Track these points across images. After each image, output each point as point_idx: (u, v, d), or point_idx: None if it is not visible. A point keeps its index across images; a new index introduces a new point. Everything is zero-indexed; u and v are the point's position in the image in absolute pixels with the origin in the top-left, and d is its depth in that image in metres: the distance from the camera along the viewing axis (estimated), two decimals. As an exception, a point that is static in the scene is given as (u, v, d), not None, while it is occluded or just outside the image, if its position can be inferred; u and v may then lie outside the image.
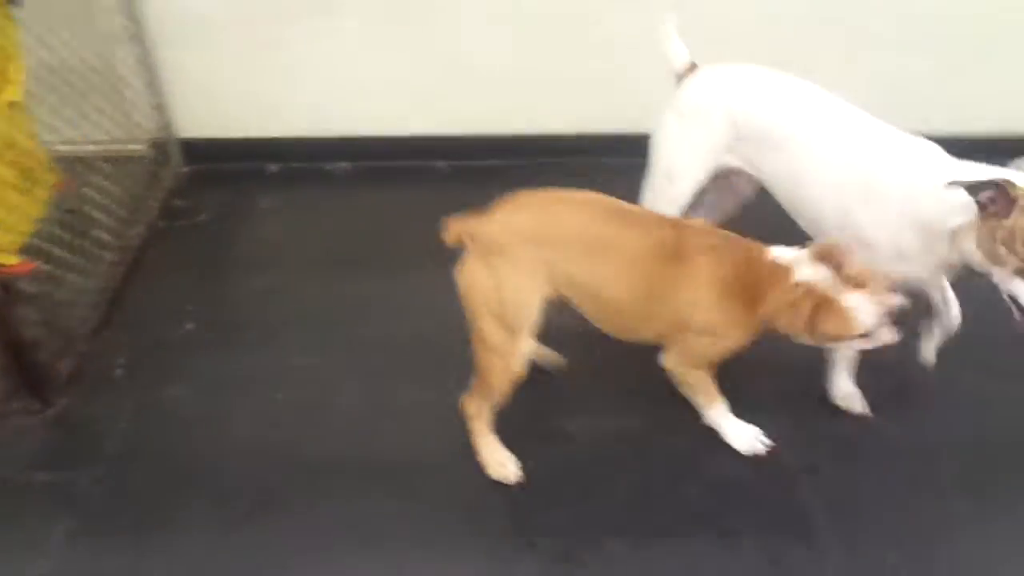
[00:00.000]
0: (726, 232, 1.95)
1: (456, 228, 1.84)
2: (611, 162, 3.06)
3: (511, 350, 1.86)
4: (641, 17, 2.37)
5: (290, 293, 2.60)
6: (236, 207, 3.00)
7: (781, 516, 1.94)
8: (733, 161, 2.17)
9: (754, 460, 2.07)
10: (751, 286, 1.82)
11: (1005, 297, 1.75)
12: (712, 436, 2.11)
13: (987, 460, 2.08)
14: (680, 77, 2.22)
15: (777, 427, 2.14)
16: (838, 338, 1.80)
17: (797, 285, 1.76)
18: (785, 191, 2.10)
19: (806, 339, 1.81)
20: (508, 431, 2.06)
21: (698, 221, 2.04)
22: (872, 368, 2.29)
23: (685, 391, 2.06)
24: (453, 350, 2.28)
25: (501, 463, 2.02)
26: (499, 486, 2.00)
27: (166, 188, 3.06)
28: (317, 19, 2.93)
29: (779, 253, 1.83)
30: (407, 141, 3.21)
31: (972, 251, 1.74)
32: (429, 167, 3.23)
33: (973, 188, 1.65)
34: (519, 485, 2.00)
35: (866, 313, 1.74)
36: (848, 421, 2.16)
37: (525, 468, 2.03)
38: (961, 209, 1.70)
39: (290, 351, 2.37)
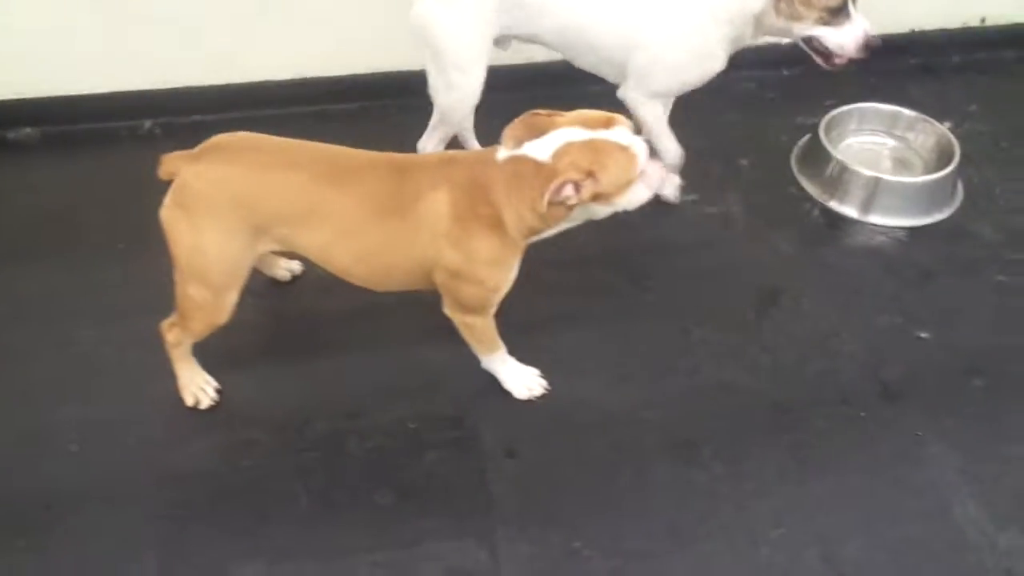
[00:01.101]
0: (446, 157, 1.84)
1: (170, 164, 1.72)
2: (332, 109, 2.81)
3: (215, 305, 1.79)
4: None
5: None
6: None
7: (468, 515, 1.79)
8: (503, 30, 2.17)
9: (454, 447, 1.91)
10: (485, 200, 1.68)
11: (806, 48, 2.14)
12: (408, 429, 1.94)
13: (691, 419, 1.99)
14: None
15: (483, 404, 2.00)
16: (627, 180, 1.65)
17: (557, 159, 1.61)
18: (568, 43, 2.20)
19: (596, 210, 1.71)
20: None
21: (421, 156, 1.90)
22: (589, 335, 2.18)
23: (465, 337, 1.92)
24: (126, 359, 2.04)
25: (200, 387, 1.95)
26: (142, 522, 1.76)
27: None
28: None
29: (510, 152, 1.67)
30: (106, 99, 2.79)
31: (774, 21, 2.08)
32: (134, 127, 2.83)
33: None
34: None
35: (631, 139, 1.64)
36: (558, 390, 2.02)
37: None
38: None
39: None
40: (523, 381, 2.01)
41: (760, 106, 2.93)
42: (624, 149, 1.63)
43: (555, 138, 1.63)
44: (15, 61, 2.66)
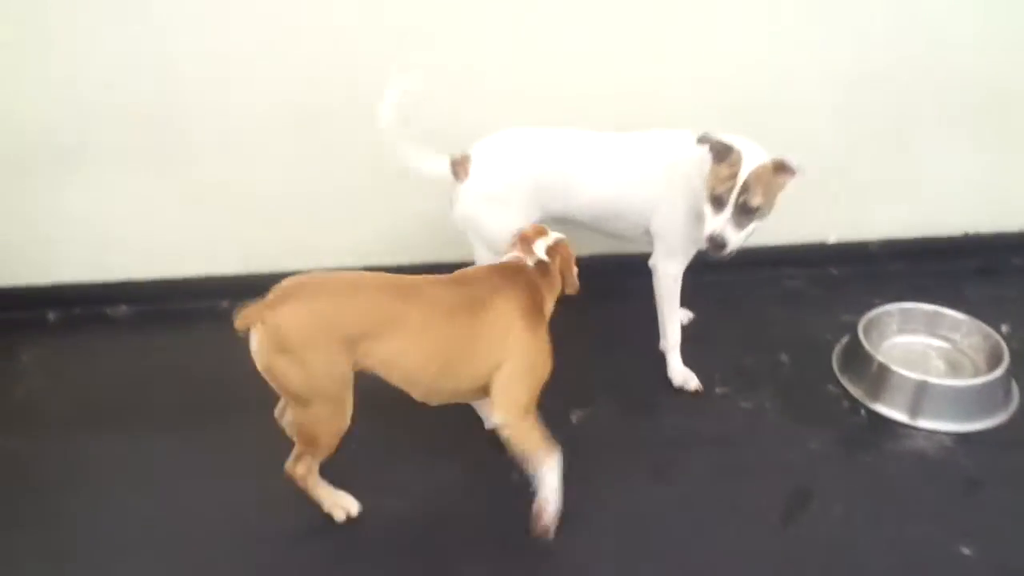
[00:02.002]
0: (495, 267, 2.13)
1: (250, 316, 1.91)
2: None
3: (338, 413, 1.98)
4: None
5: (15, 459, 2.42)
6: (-5, 361, 2.86)
7: None
8: (539, 212, 2.42)
9: None
10: (538, 296, 2.07)
11: None
12: None
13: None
14: (457, 171, 2.37)
15: None
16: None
17: (551, 255, 2.12)
18: (597, 215, 2.45)
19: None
20: None
21: (471, 269, 2.17)
22: (602, 526, 2.14)
23: (519, 447, 2.02)
24: (158, 529, 2.14)
25: (343, 506, 2.15)
26: None
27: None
28: (77, 168, 2.88)
29: (536, 258, 2.11)
30: (189, 282, 3.12)
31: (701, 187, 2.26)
32: (212, 307, 3.11)
33: (711, 141, 2.22)
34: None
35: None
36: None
37: None
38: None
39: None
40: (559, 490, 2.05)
41: (805, 303, 2.94)
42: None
43: (542, 244, 2.12)
44: (117, 248, 3.03)
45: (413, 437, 2.36)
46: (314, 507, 2.15)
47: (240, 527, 2.15)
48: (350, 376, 1.97)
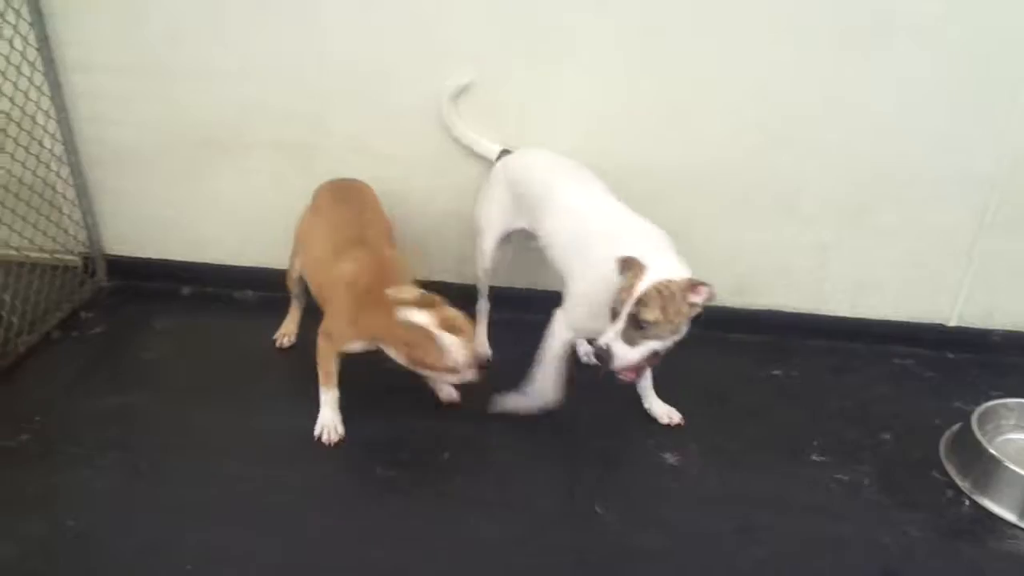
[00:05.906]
0: (389, 256, 2.46)
1: None
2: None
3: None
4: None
5: (140, 415, 2.61)
6: (133, 325, 3.09)
7: None
8: (521, 222, 2.66)
9: None
10: (370, 301, 2.28)
11: None
12: None
13: None
14: (500, 157, 2.81)
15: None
16: (432, 367, 2.24)
17: (402, 320, 2.21)
18: (551, 249, 2.50)
19: (405, 363, 2.27)
20: None
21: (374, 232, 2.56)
22: None
23: (318, 363, 2.49)
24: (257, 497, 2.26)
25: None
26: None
27: (80, 300, 3.20)
28: (231, 158, 3.10)
29: (396, 292, 2.26)
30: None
31: None
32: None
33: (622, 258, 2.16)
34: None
35: (458, 352, 2.19)
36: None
37: None
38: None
39: (101, 472, 2.36)
40: (325, 424, 2.48)
41: (916, 384, 2.86)
42: (443, 350, 2.20)
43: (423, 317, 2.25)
44: (254, 237, 3.25)
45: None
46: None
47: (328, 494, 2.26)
48: None
